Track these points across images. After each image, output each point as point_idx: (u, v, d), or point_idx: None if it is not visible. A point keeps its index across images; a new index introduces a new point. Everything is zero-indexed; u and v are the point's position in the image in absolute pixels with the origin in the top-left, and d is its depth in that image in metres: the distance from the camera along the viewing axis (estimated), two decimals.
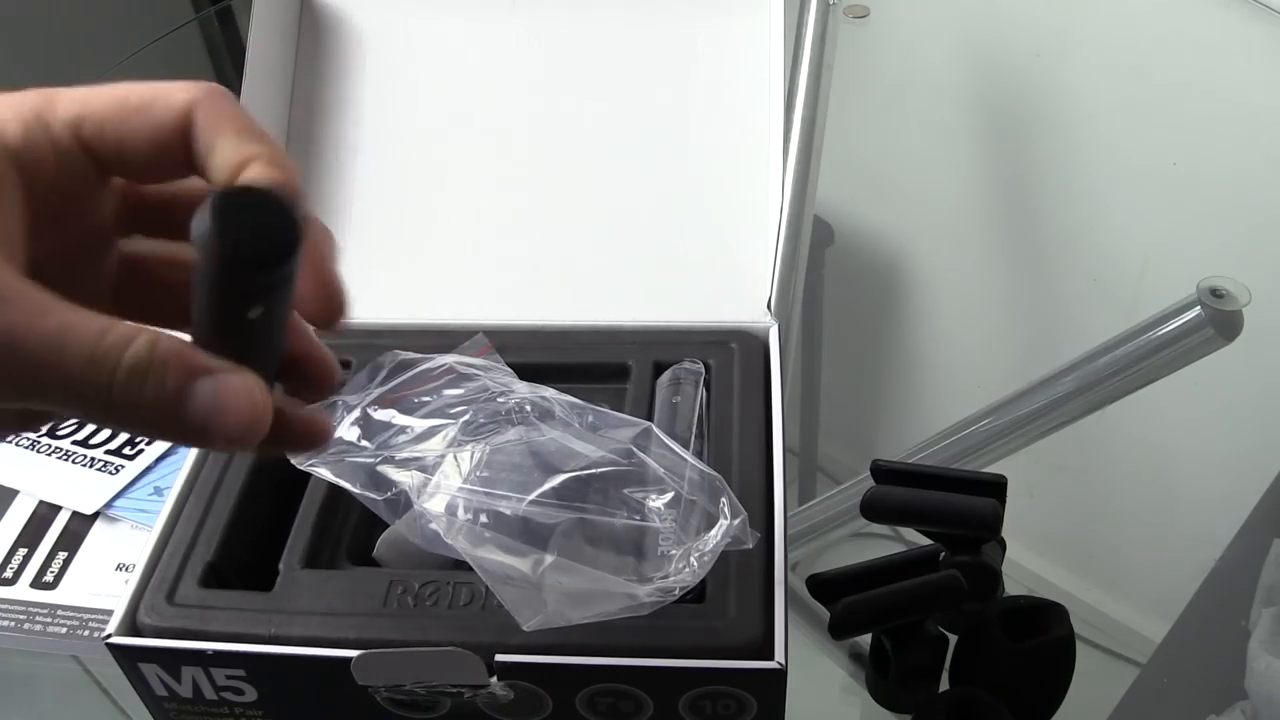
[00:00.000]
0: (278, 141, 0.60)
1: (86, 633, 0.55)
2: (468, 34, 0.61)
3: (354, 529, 0.47)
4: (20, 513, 0.60)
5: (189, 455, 0.50)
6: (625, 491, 0.40)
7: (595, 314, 0.56)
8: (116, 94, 0.30)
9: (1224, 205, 0.85)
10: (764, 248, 0.57)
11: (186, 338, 0.29)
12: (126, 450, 0.63)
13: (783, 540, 0.44)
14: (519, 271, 0.59)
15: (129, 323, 0.27)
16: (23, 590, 0.57)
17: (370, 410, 0.43)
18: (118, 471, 0.62)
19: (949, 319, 1.09)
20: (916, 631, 0.51)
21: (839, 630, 0.48)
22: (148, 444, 0.63)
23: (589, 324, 0.56)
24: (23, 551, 0.58)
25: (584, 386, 0.49)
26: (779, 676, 0.40)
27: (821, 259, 0.96)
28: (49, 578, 0.57)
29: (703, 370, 0.52)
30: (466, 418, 0.43)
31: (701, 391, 0.51)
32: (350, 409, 0.43)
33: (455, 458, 0.41)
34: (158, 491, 0.61)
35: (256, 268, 0.27)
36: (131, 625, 0.43)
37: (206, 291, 0.28)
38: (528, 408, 0.43)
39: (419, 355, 0.45)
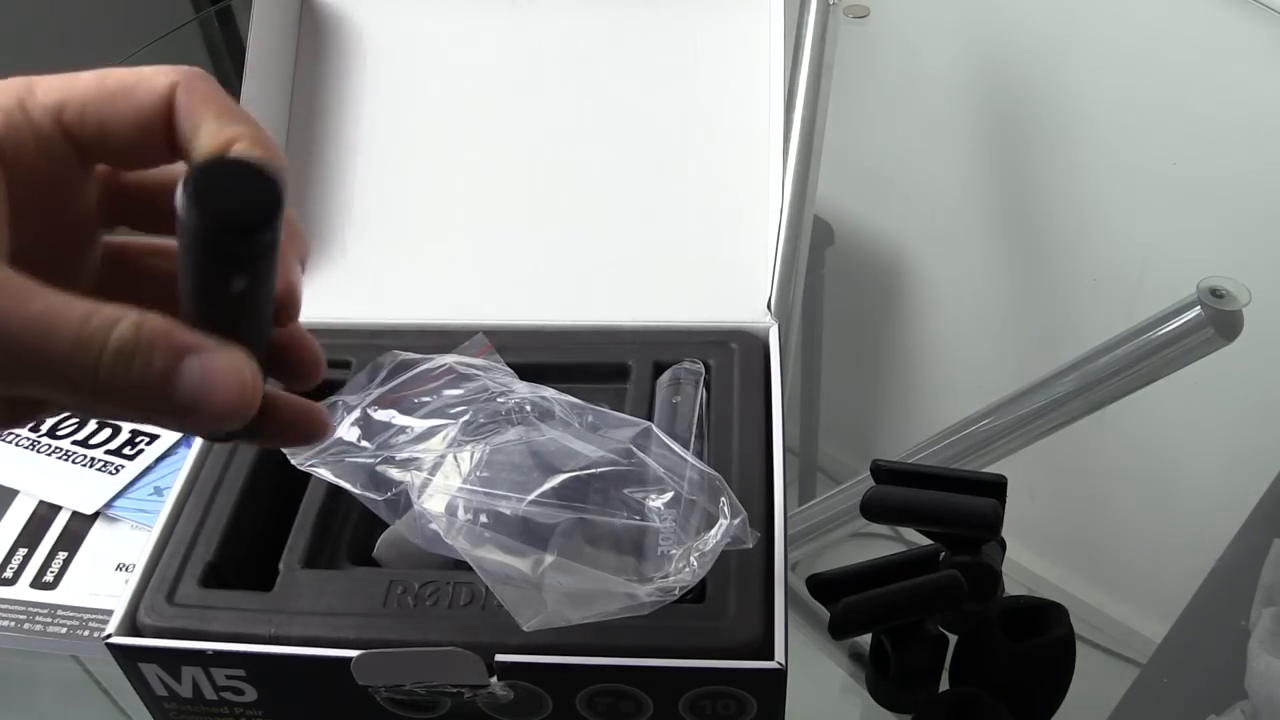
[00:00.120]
0: (271, 133, 0.60)
1: (86, 633, 0.55)
2: (468, 34, 0.61)
3: (354, 529, 0.47)
4: (20, 513, 0.60)
5: (189, 455, 0.50)
6: (625, 491, 0.40)
7: (595, 314, 0.56)
8: (97, 78, 0.30)
9: (1224, 205, 0.85)
10: (764, 248, 0.57)
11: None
12: (126, 450, 0.63)
13: (783, 540, 0.44)
14: (519, 271, 0.59)
15: (114, 305, 0.27)
16: (23, 590, 0.57)
17: (370, 410, 0.43)
18: (118, 471, 0.62)
19: (949, 319, 1.09)
20: (916, 631, 0.51)
21: (839, 630, 0.48)
22: (147, 444, 0.63)
23: (589, 324, 0.56)
24: (23, 551, 0.58)
25: (584, 386, 0.49)
26: (779, 676, 0.40)
27: (821, 259, 0.96)
28: (49, 578, 0.57)
29: (703, 370, 0.52)
30: (466, 418, 0.43)
31: (701, 391, 0.51)
32: (350, 409, 0.43)
33: (455, 458, 0.41)
34: (158, 491, 0.61)
35: (238, 233, 0.27)
36: (131, 625, 0.43)
37: (190, 266, 0.28)
38: (528, 408, 0.43)
39: (419, 355, 0.45)
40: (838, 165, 0.90)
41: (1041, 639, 0.49)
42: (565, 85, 0.60)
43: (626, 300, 0.57)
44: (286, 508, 0.47)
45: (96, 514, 0.60)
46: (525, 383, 0.45)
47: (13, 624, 0.55)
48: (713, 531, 0.39)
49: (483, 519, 0.39)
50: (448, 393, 0.44)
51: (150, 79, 0.30)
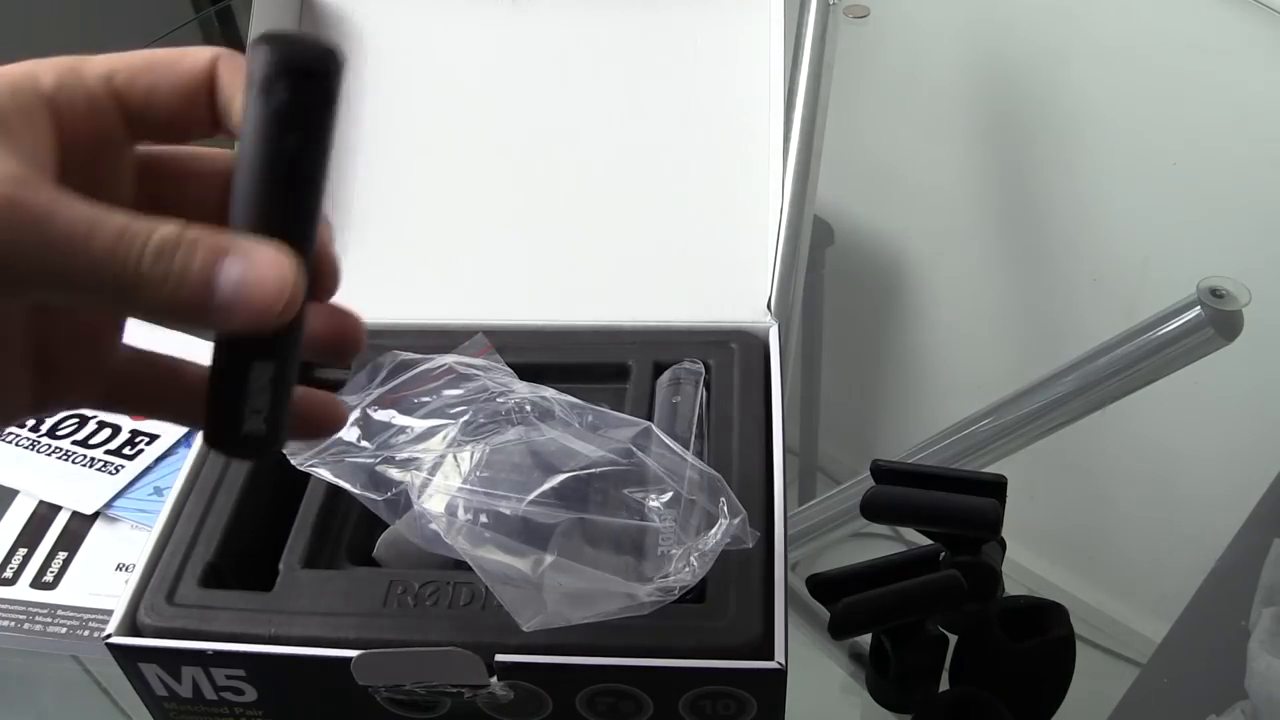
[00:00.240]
0: None
1: (86, 633, 0.55)
2: (468, 34, 0.61)
3: (354, 529, 0.47)
4: (20, 513, 0.60)
5: (189, 455, 0.50)
6: (625, 491, 0.40)
7: (595, 314, 0.56)
8: (145, 53, 0.31)
9: (1224, 205, 0.85)
10: (764, 248, 0.57)
11: None
12: (126, 450, 0.63)
13: (783, 540, 0.44)
14: (519, 271, 0.59)
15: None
16: (23, 590, 0.57)
17: (370, 410, 0.43)
18: (118, 471, 0.62)
19: (949, 319, 1.09)
20: (916, 631, 0.51)
21: (839, 630, 0.48)
22: (147, 444, 0.63)
23: (589, 324, 0.56)
24: (23, 551, 0.58)
25: (584, 386, 0.49)
26: (779, 676, 0.40)
27: (821, 259, 0.96)
28: (49, 578, 0.57)
29: (703, 370, 0.52)
30: (466, 418, 0.43)
31: (701, 391, 0.51)
32: (350, 409, 0.43)
33: (455, 458, 0.41)
34: (158, 491, 0.61)
35: (305, 74, 0.28)
36: (131, 625, 0.43)
37: (250, 136, 0.28)
38: (528, 408, 0.43)
39: (419, 355, 0.45)
40: (838, 165, 0.90)
41: (1041, 639, 0.49)
42: (565, 85, 0.60)
43: (626, 300, 0.57)
44: (286, 508, 0.47)
45: (96, 514, 0.60)
46: (525, 383, 0.45)
47: (13, 624, 0.55)
48: (713, 531, 0.39)
49: (483, 519, 0.39)
50: (448, 393, 0.44)
51: (195, 53, 0.31)
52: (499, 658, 0.40)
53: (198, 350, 0.32)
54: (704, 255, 0.58)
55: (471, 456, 0.41)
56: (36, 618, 0.55)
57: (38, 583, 0.57)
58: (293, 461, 0.42)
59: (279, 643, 0.42)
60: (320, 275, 0.32)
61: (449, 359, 0.45)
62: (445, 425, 0.43)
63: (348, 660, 0.41)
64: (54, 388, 0.32)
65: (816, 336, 1.00)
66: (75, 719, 0.61)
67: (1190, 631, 0.56)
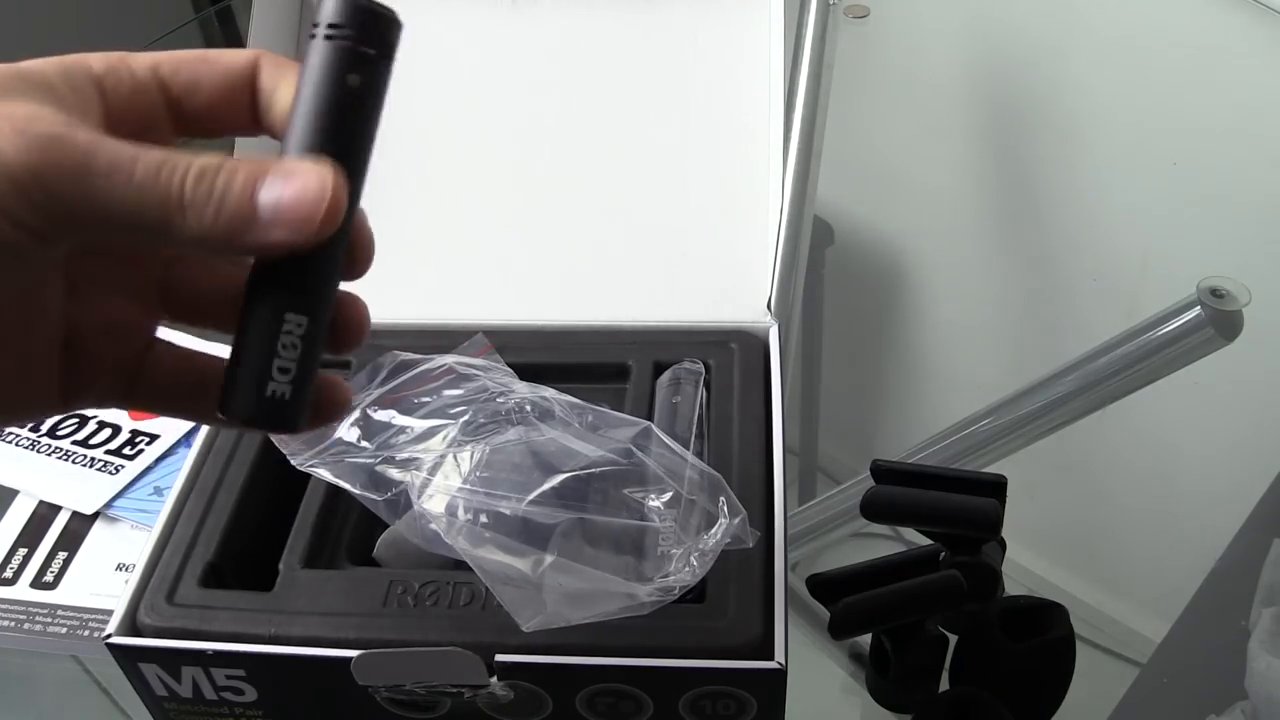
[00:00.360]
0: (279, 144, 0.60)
1: (86, 633, 0.55)
2: (467, 34, 0.61)
3: (354, 529, 0.47)
4: (20, 513, 0.60)
5: (189, 455, 0.50)
6: (625, 491, 0.40)
7: (595, 314, 0.56)
8: (191, 50, 0.32)
9: (1224, 205, 0.85)
10: (764, 248, 0.57)
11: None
12: (126, 450, 0.63)
13: (783, 540, 0.44)
14: (519, 271, 0.59)
15: None
16: (23, 590, 0.57)
17: (370, 410, 0.43)
18: (118, 471, 0.62)
19: (949, 319, 1.09)
20: (916, 631, 0.51)
21: (839, 630, 0.48)
22: (148, 444, 0.63)
23: (589, 324, 0.56)
24: (23, 551, 0.58)
25: (584, 386, 0.49)
26: (779, 676, 0.40)
27: (821, 259, 0.96)
28: (49, 578, 0.57)
29: (703, 370, 0.52)
30: (466, 418, 0.43)
31: (701, 391, 0.51)
32: (350, 409, 0.43)
33: (455, 458, 0.41)
34: (158, 491, 0.61)
35: (373, 19, 0.30)
36: (131, 625, 0.43)
37: (309, 74, 0.30)
38: (528, 408, 0.43)
39: (419, 355, 0.45)
40: (838, 165, 0.90)
41: (1041, 639, 0.49)
42: (565, 85, 0.60)
43: (626, 300, 0.57)
44: (286, 508, 0.47)
45: (96, 514, 0.60)
46: (525, 383, 0.45)
47: (13, 624, 0.55)
48: (713, 531, 0.39)
49: (483, 519, 0.39)
50: (448, 393, 0.44)
51: (237, 51, 0.32)
52: (499, 658, 0.41)
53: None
54: (704, 255, 0.58)
55: (471, 456, 0.41)
56: (36, 618, 0.55)
57: (38, 583, 0.57)
58: (293, 461, 0.42)
59: (279, 643, 0.42)
60: (355, 247, 0.32)
61: (449, 359, 0.45)
62: (445, 425, 0.43)
63: (348, 660, 0.41)
64: (82, 376, 0.32)
65: (816, 336, 1.00)
66: (75, 719, 0.61)
67: (1190, 631, 0.56)
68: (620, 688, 0.41)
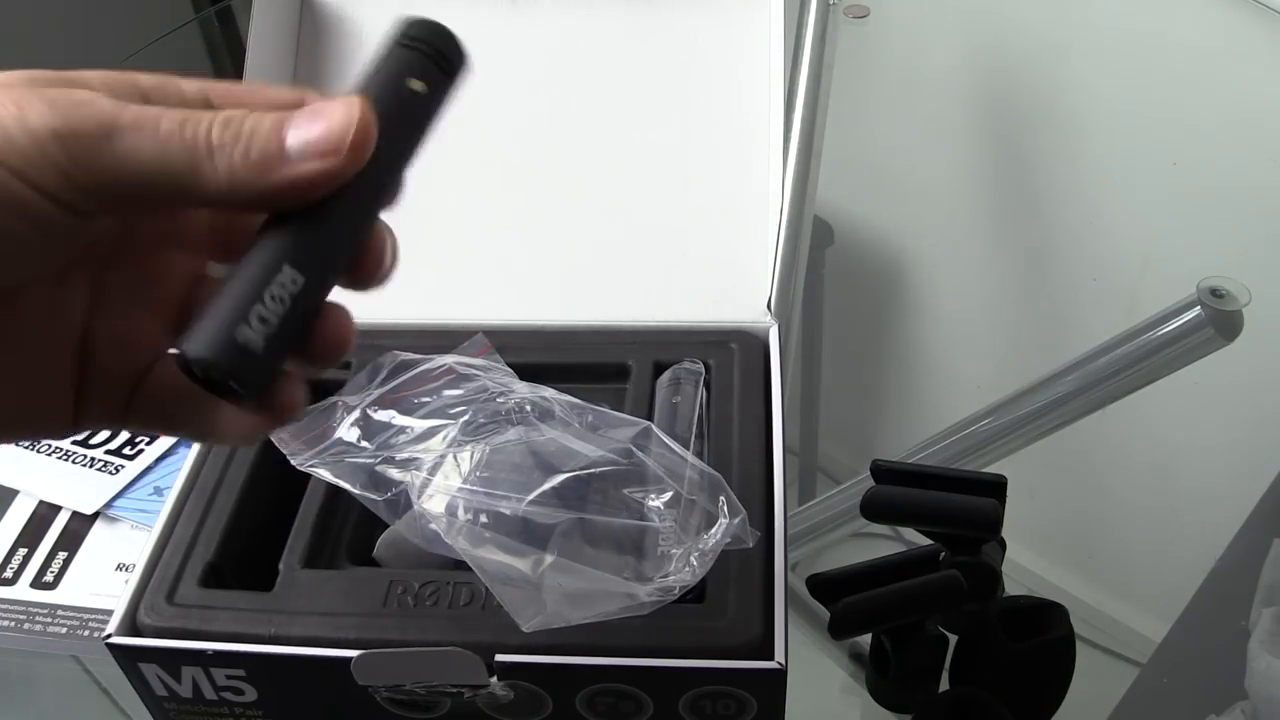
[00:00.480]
0: None
1: (86, 633, 0.55)
2: (467, 34, 0.61)
3: (354, 529, 0.47)
4: (20, 513, 0.60)
5: (189, 455, 0.50)
6: (625, 491, 0.40)
7: (595, 314, 0.56)
8: (241, 83, 0.33)
9: (1224, 205, 0.85)
10: (764, 248, 0.57)
11: None
12: (126, 450, 0.63)
13: (783, 540, 0.44)
14: (519, 271, 0.59)
15: None
16: (23, 590, 0.57)
17: (370, 411, 0.43)
18: (118, 471, 0.62)
19: (949, 319, 1.09)
20: (916, 631, 0.51)
21: (839, 630, 0.48)
22: (147, 444, 0.63)
23: (589, 324, 0.56)
24: (23, 551, 0.58)
25: (584, 386, 0.49)
26: (779, 676, 0.40)
27: (821, 259, 0.96)
28: (49, 578, 0.57)
29: (703, 370, 0.52)
30: (466, 418, 0.43)
31: (701, 391, 0.51)
32: (350, 409, 0.43)
33: (455, 458, 0.41)
34: (158, 491, 0.61)
35: (447, 40, 0.32)
36: (131, 625, 0.43)
37: (376, 70, 0.31)
38: (527, 408, 0.43)
39: (419, 355, 0.45)
40: (838, 165, 0.90)
41: (1041, 639, 0.49)
42: (565, 85, 0.60)
43: (626, 300, 0.57)
44: (286, 508, 0.47)
45: (96, 514, 0.60)
46: (525, 383, 0.45)
47: (13, 624, 0.55)
48: (713, 531, 0.39)
49: (483, 519, 0.39)
50: (448, 393, 0.44)
51: (285, 89, 0.33)
52: (499, 658, 0.41)
53: None
54: (704, 255, 0.58)
55: (471, 456, 0.41)
56: (36, 618, 0.55)
57: (38, 583, 0.57)
58: (293, 461, 0.42)
59: (279, 643, 0.42)
60: (373, 251, 0.32)
61: (449, 359, 0.45)
62: (445, 425, 0.43)
63: (348, 660, 0.41)
64: (90, 391, 0.31)
65: (816, 336, 1.00)
66: (75, 719, 0.61)
67: (1190, 631, 0.56)
68: (620, 688, 0.41)
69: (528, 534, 0.39)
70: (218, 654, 0.42)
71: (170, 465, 0.62)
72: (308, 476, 0.45)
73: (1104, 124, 0.90)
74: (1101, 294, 0.95)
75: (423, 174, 0.60)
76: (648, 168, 0.59)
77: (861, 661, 0.55)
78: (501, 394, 0.44)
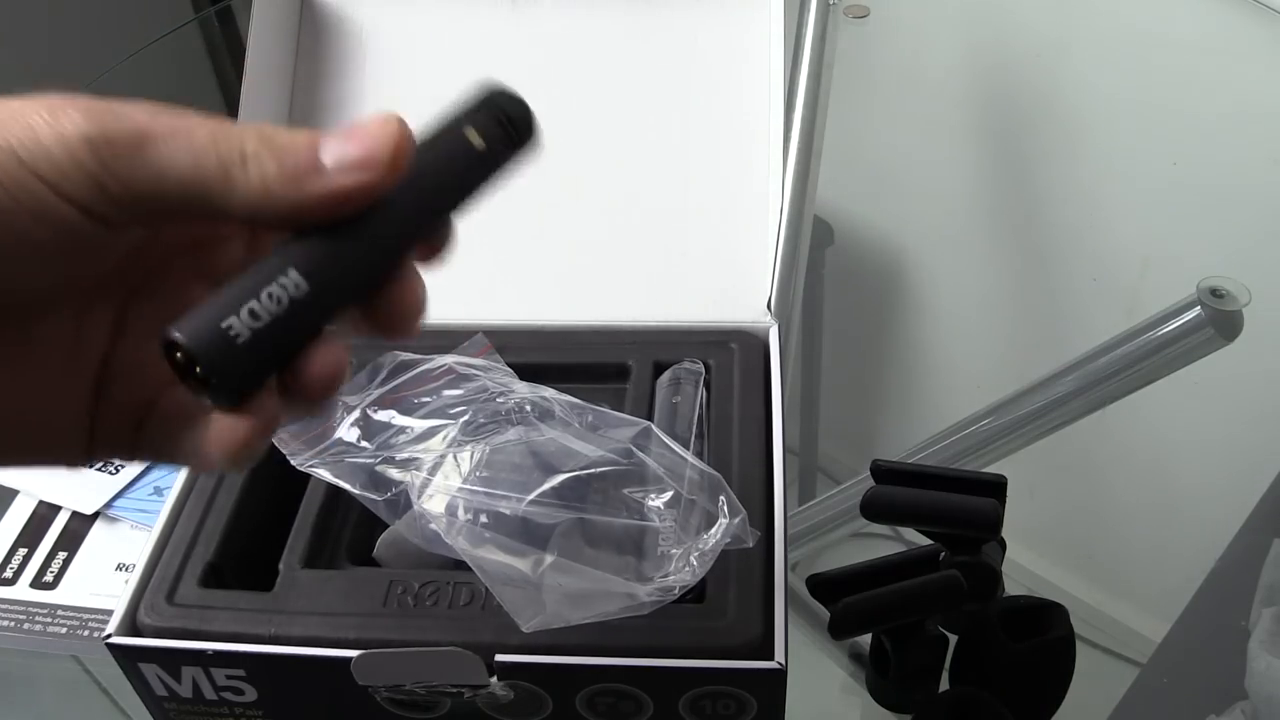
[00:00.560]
0: None
1: (86, 633, 0.55)
2: (468, 34, 0.61)
3: (354, 529, 0.47)
4: (20, 513, 0.60)
5: None
6: (625, 491, 0.40)
7: (595, 314, 0.56)
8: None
9: (1224, 205, 0.85)
10: (764, 248, 0.57)
11: None
12: None
13: (783, 540, 0.44)
14: (519, 271, 0.59)
15: None
16: (23, 590, 0.57)
17: (370, 411, 0.43)
18: (118, 471, 0.62)
19: (949, 319, 1.09)
20: (916, 631, 0.51)
21: (839, 630, 0.48)
22: None
23: (589, 324, 0.56)
24: (23, 551, 0.58)
25: (584, 386, 0.49)
26: (779, 676, 0.40)
27: (821, 259, 0.96)
28: (49, 578, 0.57)
29: (703, 370, 0.52)
30: (466, 418, 0.43)
31: (701, 391, 0.51)
32: (350, 409, 0.43)
33: (455, 458, 0.41)
34: (158, 491, 0.61)
35: (522, 108, 0.32)
36: (131, 625, 0.43)
37: (442, 125, 0.31)
38: (527, 408, 0.43)
39: (419, 356, 0.45)
40: (838, 165, 0.90)
41: (1041, 639, 0.49)
42: (565, 85, 0.60)
43: (626, 300, 0.57)
44: (286, 508, 0.47)
45: (96, 514, 0.60)
46: (525, 383, 0.45)
47: (13, 624, 0.55)
48: (712, 531, 0.39)
49: (483, 519, 0.39)
50: (447, 393, 0.44)
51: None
52: (499, 658, 0.40)
53: None
54: (704, 255, 0.58)
55: (471, 456, 0.41)
56: (36, 618, 0.55)
57: (38, 583, 0.57)
58: (293, 461, 0.42)
59: (279, 643, 0.42)
60: (401, 299, 0.30)
61: (449, 359, 0.45)
62: (445, 425, 0.43)
63: (348, 660, 0.41)
64: (104, 419, 0.30)
65: (816, 336, 1.00)
66: (75, 719, 0.61)
67: (1190, 631, 0.56)
68: (620, 688, 0.41)
69: (528, 534, 0.39)
70: (218, 654, 0.42)
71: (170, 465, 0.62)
72: (308, 476, 0.45)
73: (1104, 124, 0.90)
74: (1101, 294, 0.95)
75: None
76: (648, 168, 0.59)
77: (861, 661, 0.55)
78: (501, 394, 0.44)
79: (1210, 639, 0.55)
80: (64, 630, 0.55)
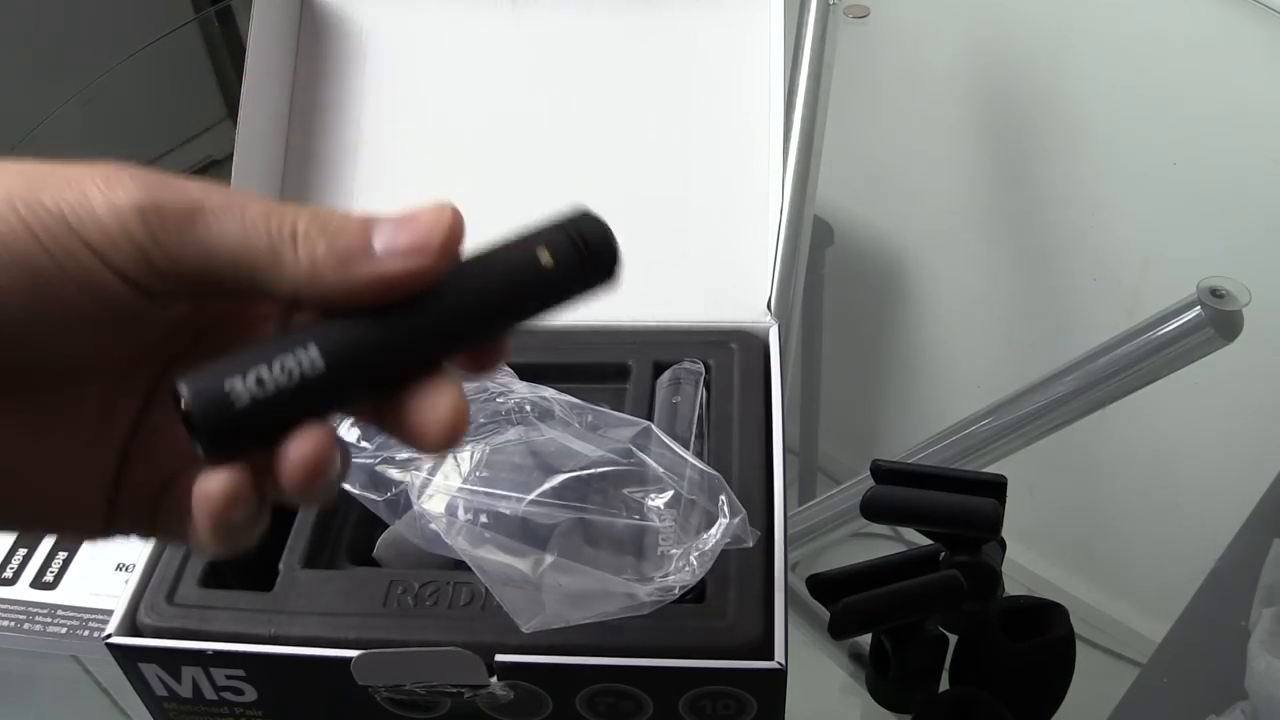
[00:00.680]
0: (271, 133, 0.60)
1: (86, 633, 0.55)
2: (468, 34, 0.61)
3: (354, 529, 0.47)
4: None
5: None
6: (625, 491, 0.40)
7: (595, 314, 0.56)
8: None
9: (1224, 205, 0.85)
10: (764, 248, 0.57)
11: None
12: None
13: (783, 540, 0.44)
14: None
15: None
16: (23, 590, 0.57)
17: None
18: None
19: (949, 319, 1.09)
20: (916, 631, 0.51)
21: (839, 630, 0.48)
22: None
23: (589, 324, 0.56)
24: (23, 551, 0.58)
25: (584, 386, 0.49)
26: (779, 676, 0.40)
27: (821, 259, 0.96)
28: (49, 578, 0.57)
29: (703, 370, 0.52)
30: None
31: (701, 391, 0.51)
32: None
33: (455, 458, 0.41)
34: None
35: (605, 237, 0.30)
36: (131, 625, 0.43)
37: (517, 237, 0.29)
38: (527, 407, 0.43)
39: None
40: (838, 165, 0.90)
41: (1041, 639, 0.49)
42: (565, 85, 0.60)
43: (626, 300, 0.57)
44: (286, 507, 0.47)
45: None
46: (525, 383, 0.45)
47: (13, 624, 0.55)
48: (713, 530, 0.39)
49: (483, 519, 0.39)
50: None
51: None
52: (499, 658, 0.41)
53: None
54: (704, 255, 0.58)
55: (471, 456, 0.41)
56: (36, 618, 0.55)
57: (38, 583, 0.57)
58: None
59: (279, 643, 0.42)
60: (429, 414, 0.28)
61: None
62: None
63: (348, 660, 0.41)
64: (123, 495, 0.29)
65: (816, 336, 1.00)
66: (75, 719, 0.61)
67: (1190, 631, 0.56)
68: (620, 688, 0.41)
69: (528, 534, 0.39)
70: (218, 654, 0.42)
71: None
72: None
73: (1104, 124, 0.90)
74: (1101, 294, 0.95)
75: (422, 174, 0.61)
76: (648, 168, 0.59)
77: (861, 661, 0.55)
78: (501, 394, 0.44)
79: (1210, 639, 0.55)
80: (64, 630, 0.55)
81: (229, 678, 0.43)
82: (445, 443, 0.28)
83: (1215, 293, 0.67)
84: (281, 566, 0.45)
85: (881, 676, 0.53)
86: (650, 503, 0.40)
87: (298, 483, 0.27)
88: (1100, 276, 0.94)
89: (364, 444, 0.42)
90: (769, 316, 0.56)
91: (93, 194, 0.26)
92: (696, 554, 0.39)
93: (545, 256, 0.29)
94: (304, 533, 0.46)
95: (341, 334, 0.27)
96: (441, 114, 0.61)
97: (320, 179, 0.60)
